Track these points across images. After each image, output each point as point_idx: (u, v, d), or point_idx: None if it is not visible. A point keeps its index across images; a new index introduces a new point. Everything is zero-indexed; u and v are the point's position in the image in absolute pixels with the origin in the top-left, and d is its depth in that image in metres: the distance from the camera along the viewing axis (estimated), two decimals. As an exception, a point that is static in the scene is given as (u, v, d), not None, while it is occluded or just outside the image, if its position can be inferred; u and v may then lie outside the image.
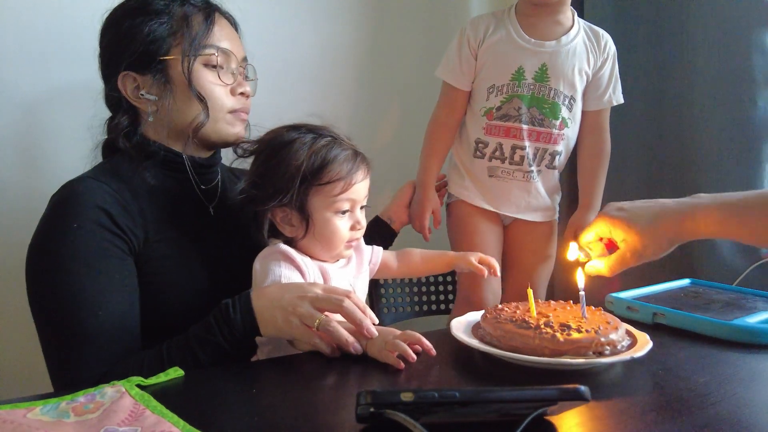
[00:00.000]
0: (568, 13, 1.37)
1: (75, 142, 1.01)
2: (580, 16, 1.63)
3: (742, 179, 1.36)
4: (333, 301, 0.82)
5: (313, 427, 0.63)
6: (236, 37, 1.07)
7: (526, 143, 1.34)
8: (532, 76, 1.32)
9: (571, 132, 1.37)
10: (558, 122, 1.34)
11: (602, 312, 0.87)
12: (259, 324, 0.83)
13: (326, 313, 0.82)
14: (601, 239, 0.98)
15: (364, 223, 0.98)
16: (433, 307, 1.62)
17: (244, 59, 1.08)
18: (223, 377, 0.78)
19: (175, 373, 0.75)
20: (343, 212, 0.95)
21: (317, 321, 0.80)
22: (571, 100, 1.34)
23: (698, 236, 0.88)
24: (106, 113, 1.04)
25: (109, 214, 0.90)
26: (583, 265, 0.96)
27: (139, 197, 0.96)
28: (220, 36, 1.02)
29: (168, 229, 0.97)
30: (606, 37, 1.38)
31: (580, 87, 1.35)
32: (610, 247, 0.97)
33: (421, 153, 1.45)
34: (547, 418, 0.62)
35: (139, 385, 0.69)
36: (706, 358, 0.82)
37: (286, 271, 0.91)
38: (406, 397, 0.54)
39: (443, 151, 1.44)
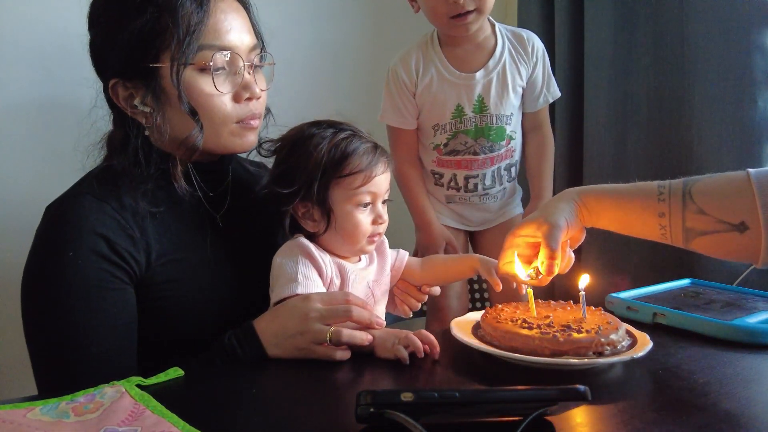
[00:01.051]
0: (488, 30, 1.35)
1: (74, 142, 0.98)
2: (580, 15, 1.63)
3: (742, 179, 1.36)
4: (340, 313, 0.82)
5: (313, 427, 0.63)
6: (243, 23, 0.90)
7: (479, 172, 1.38)
8: (471, 109, 1.32)
9: (518, 139, 1.41)
10: (505, 141, 1.37)
11: (602, 312, 0.87)
12: (270, 357, 0.82)
13: None
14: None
15: (386, 218, 0.96)
16: (425, 307, 1.61)
17: (255, 47, 0.92)
18: (223, 377, 0.78)
19: (175, 373, 0.75)
20: (365, 205, 0.93)
21: (328, 335, 0.80)
22: (511, 116, 1.36)
23: (593, 223, 0.89)
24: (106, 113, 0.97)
25: (108, 240, 0.84)
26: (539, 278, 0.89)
27: (140, 216, 0.88)
28: (219, 29, 0.86)
29: (172, 251, 0.90)
30: (531, 39, 1.37)
31: (517, 101, 1.37)
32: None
33: (405, 199, 1.43)
34: (547, 418, 0.62)
35: (139, 385, 0.69)
36: (706, 358, 0.82)
37: (303, 269, 0.90)
38: (406, 397, 0.54)
39: (423, 186, 1.43)
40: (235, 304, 0.95)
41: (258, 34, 0.95)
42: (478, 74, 1.31)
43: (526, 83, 1.36)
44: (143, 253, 0.87)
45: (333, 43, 1.79)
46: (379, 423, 0.57)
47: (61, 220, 0.85)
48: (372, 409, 0.55)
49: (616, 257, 1.57)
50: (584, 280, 0.88)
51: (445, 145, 1.36)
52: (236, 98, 0.90)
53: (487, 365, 0.80)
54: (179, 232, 0.92)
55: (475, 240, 1.51)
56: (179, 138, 0.89)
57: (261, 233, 1.00)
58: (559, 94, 1.42)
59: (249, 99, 0.91)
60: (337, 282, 0.94)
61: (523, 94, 1.38)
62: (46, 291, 0.84)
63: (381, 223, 0.95)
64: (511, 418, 0.59)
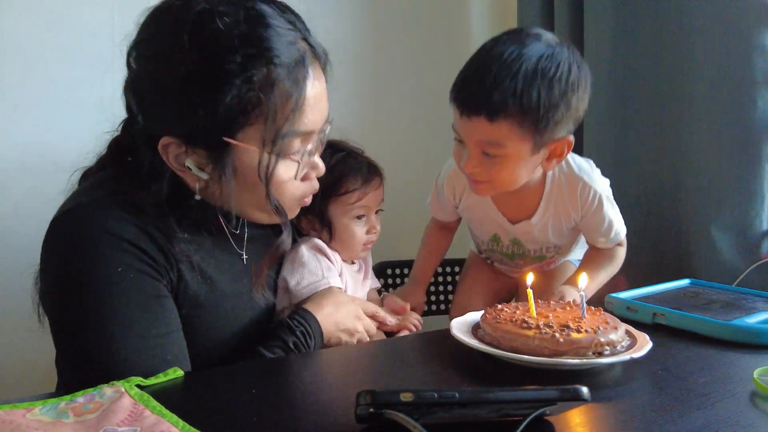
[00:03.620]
0: (537, 176, 1.12)
1: (79, 141, 0.97)
2: (580, 15, 1.63)
3: (742, 179, 1.36)
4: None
5: (313, 427, 0.63)
6: (325, 93, 0.80)
7: (515, 273, 1.35)
8: (508, 241, 1.24)
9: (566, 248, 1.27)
10: (546, 260, 1.28)
11: (602, 312, 0.87)
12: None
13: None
14: None
15: (378, 227, 1.10)
16: (433, 307, 1.62)
17: (327, 119, 0.82)
18: (222, 377, 0.78)
19: (175, 373, 0.75)
20: (359, 217, 1.07)
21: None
22: (556, 247, 1.24)
23: None
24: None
25: (147, 253, 0.76)
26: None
27: (169, 240, 0.79)
28: (309, 113, 0.75)
29: (198, 277, 0.83)
30: (581, 187, 1.12)
31: (561, 240, 1.22)
32: None
33: (419, 250, 1.38)
34: (547, 418, 0.62)
35: (138, 385, 0.69)
36: (706, 358, 0.82)
37: (325, 263, 1.03)
38: (406, 397, 0.54)
39: (439, 254, 1.38)
40: (256, 329, 0.94)
41: None
42: (518, 224, 1.18)
43: (578, 222, 1.17)
44: (174, 272, 0.80)
45: (328, 45, 1.78)
46: (379, 423, 0.57)
47: (96, 238, 0.74)
48: (372, 409, 0.55)
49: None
50: (584, 280, 0.89)
51: (483, 250, 1.34)
52: (304, 178, 0.84)
53: (487, 365, 0.80)
54: (204, 259, 0.85)
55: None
56: (231, 207, 0.80)
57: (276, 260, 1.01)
58: (621, 239, 1.18)
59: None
60: (343, 278, 1.07)
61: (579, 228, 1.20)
62: (96, 304, 0.73)
63: (374, 233, 1.10)
64: (511, 419, 0.59)
